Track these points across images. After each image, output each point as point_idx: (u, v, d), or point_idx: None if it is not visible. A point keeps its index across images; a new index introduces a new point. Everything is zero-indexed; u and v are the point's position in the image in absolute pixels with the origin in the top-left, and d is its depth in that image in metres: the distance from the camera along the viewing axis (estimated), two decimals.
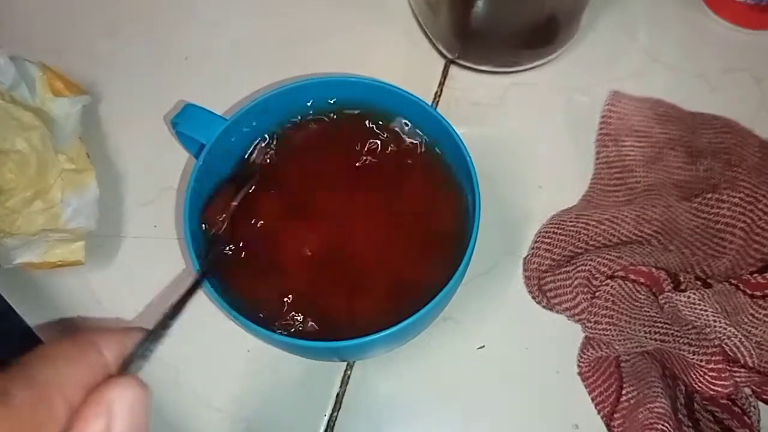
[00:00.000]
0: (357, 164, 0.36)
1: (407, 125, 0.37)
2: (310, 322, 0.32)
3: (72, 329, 0.38)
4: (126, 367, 0.22)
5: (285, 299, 0.33)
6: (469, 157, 0.33)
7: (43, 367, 0.20)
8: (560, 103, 0.44)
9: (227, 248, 0.33)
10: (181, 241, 0.40)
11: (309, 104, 0.37)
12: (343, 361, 0.37)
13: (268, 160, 0.36)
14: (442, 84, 0.45)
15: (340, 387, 0.37)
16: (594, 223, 0.38)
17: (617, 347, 0.34)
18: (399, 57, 0.46)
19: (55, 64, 0.42)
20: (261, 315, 0.32)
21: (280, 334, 0.31)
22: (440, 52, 0.46)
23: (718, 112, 0.42)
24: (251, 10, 0.47)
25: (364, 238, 0.34)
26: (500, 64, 0.45)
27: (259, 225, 0.34)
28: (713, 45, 0.46)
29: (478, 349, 0.38)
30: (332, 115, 0.37)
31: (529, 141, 0.43)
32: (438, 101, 0.45)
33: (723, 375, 0.32)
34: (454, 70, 0.46)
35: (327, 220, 0.35)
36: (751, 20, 0.45)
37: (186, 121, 0.34)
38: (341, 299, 0.33)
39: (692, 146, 0.40)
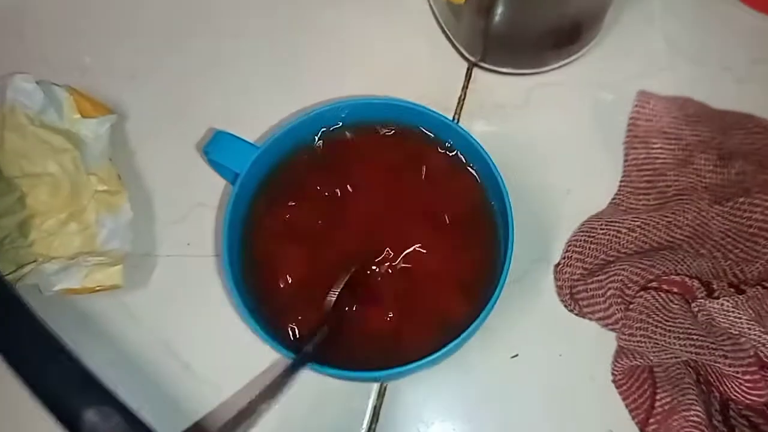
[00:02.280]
0: (397, 184, 0.36)
1: (436, 140, 0.37)
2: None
3: None
4: None
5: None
6: (500, 177, 0.34)
7: None
8: (586, 102, 0.44)
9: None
10: (217, 258, 0.40)
11: (339, 124, 0.37)
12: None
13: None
14: (465, 88, 0.45)
15: (377, 399, 0.38)
16: (625, 230, 0.38)
17: (651, 357, 0.35)
18: (422, 62, 0.46)
19: (77, 83, 0.42)
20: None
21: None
22: (463, 56, 0.45)
23: (746, 105, 0.42)
24: (276, 21, 0.47)
25: (412, 262, 0.35)
26: (524, 65, 0.44)
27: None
28: (740, 35, 0.45)
29: (512, 357, 0.38)
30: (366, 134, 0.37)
31: (556, 142, 0.43)
32: (462, 105, 0.45)
33: (759, 385, 0.33)
34: (477, 72, 0.45)
35: (378, 239, 0.35)
36: None
37: (217, 150, 0.34)
38: (388, 323, 0.33)
39: (723, 148, 0.39)
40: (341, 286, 0.32)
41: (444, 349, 0.30)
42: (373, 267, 0.34)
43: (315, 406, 0.38)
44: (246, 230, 0.35)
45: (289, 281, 0.34)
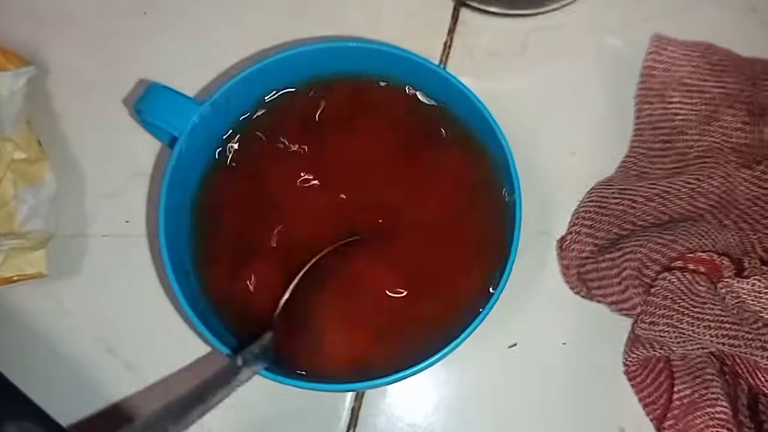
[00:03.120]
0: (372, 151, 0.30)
1: (421, 93, 0.31)
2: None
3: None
4: None
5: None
6: (505, 141, 0.28)
7: None
8: (591, 50, 0.38)
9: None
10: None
11: (303, 75, 0.30)
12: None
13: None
14: (452, 31, 0.39)
15: (355, 401, 0.33)
16: (642, 200, 0.32)
17: (674, 348, 0.30)
18: (399, 0, 0.39)
19: None
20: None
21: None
22: None
23: None
24: None
25: (387, 235, 0.29)
26: (520, 4, 0.38)
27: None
28: None
29: (510, 347, 0.34)
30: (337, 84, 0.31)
31: (557, 97, 0.37)
32: (448, 53, 0.38)
33: None
34: (465, 13, 0.39)
35: (347, 212, 0.29)
36: None
37: (152, 108, 0.27)
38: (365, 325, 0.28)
39: (753, 102, 0.34)
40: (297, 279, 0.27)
41: (432, 358, 0.25)
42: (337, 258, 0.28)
43: (285, 409, 0.33)
44: (191, 205, 0.28)
45: (248, 273, 0.28)
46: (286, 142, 0.29)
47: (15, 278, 0.32)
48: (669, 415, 0.32)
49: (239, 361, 0.25)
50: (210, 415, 0.32)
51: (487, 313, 0.27)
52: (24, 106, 0.35)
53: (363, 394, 0.33)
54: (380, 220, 0.29)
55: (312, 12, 0.38)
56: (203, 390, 0.24)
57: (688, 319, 0.29)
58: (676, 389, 0.32)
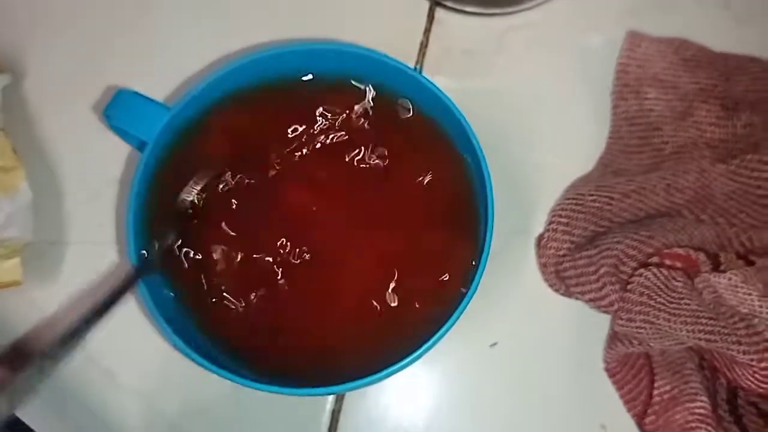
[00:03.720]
0: (338, 151, 0.30)
1: (392, 95, 0.31)
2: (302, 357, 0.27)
3: None
4: None
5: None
6: (473, 135, 0.28)
7: None
8: (568, 48, 0.38)
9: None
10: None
11: (273, 76, 0.30)
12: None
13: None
14: (428, 31, 0.39)
15: (336, 403, 0.33)
16: (618, 196, 0.32)
17: (652, 344, 0.30)
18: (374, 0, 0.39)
19: None
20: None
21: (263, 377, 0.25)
22: None
23: (747, 48, 0.37)
24: None
25: (353, 239, 0.29)
26: (495, 3, 0.38)
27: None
28: None
29: (491, 346, 0.33)
30: (302, 88, 0.30)
31: (534, 95, 0.37)
32: (424, 53, 0.38)
33: None
34: (441, 13, 0.39)
35: (307, 218, 0.29)
36: None
37: (121, 114, 0.27)
38: (328, 319, 0.28)
39: (727, 97, 0.34)
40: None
41: (406, 360, 0.25)
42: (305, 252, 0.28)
43: (265, 412, 0.32)
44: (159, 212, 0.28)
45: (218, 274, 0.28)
46: (255, 137, 0.29)
47: None
48: (649, 411, 0.32)
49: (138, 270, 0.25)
50: (187, 419, 0.32)
51: (461, 314, 0.27)
52: None
53: (343, 396, 0.33)
54: (351, 217, 0.29)
55: (284, 14, 0.38)
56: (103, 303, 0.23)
57: (664, 314, 0.29)
58: (656, 385, 0.32)
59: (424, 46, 0.38)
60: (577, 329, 0.33)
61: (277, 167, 0.29)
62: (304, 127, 0.29)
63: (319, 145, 0.29)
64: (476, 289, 0.27)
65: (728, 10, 0.38)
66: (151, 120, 0.27)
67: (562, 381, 0.33)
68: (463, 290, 0.27)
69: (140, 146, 0.27)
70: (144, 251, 0.26)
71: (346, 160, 0.29)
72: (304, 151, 0.29)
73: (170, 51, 0.37)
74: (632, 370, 0.32)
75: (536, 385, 0.33)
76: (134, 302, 0.33)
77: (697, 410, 0.30)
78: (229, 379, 0.25)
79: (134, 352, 0.33)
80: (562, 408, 0.33)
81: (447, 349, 0.32)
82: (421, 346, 0.26)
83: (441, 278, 0.28)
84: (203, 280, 0.28)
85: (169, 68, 0.35)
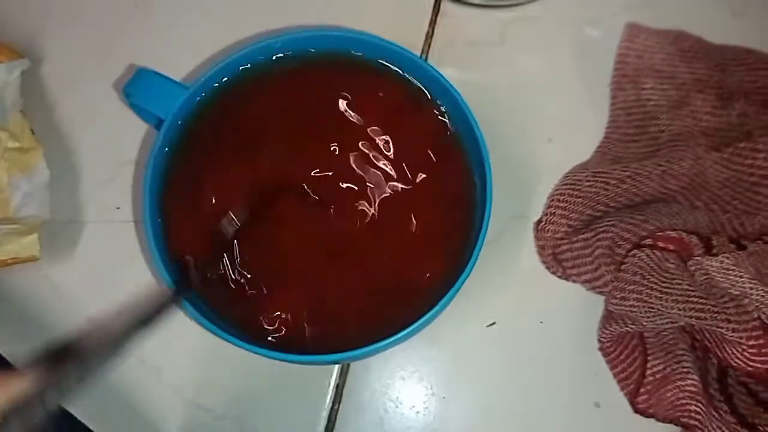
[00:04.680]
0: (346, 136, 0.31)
1: (398, 79, 0.32)
2: (306, 326, 0.28)
3: None
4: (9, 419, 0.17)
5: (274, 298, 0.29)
6: (474, 121, 0.29)
7: None
8: (569, 39, 0.39)
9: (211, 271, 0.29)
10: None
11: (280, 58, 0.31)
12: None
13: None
14: (433, 23, 0.40)
15: (340, 377, 0.34)
16: (614, 181, 0.33)
17: (645, 323, 0.31)
18: None
19: None
20: (245, 320, 0.28)
21: (271, 345, 0.27)
22: None
23: (743, 40, 0.38)
24: None
25: (357, 223, 0.30)
26: None
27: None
28: None
29: (488, 326, 0.35)
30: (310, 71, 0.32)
31: (535, 85, 0.38)
32: (430, 43, 0.39)
33: (764, 350, 0.29)
34: (446, 5, 0.40)
35: (317, 198, 0.30)
36: None
37: (140, 91, 0.29)
38: (337, 293, 0.29)
39: (723, 87, 0.35)
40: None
41: (409, 329, 0.26)
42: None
43: (270, 386, 0.34)
44: (174, 187, 0.29)
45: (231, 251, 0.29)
46: (263, 129, 0.31)
47: (9, 261, 0.33)
48: (642, 389, 0.33)
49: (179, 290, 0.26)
50: (194, 391, 0.33)
51: (457, 290, 0.28)
52: (18, 97, 0.36)
53: (347, 371, 0.34)
54: (356, 189, 0.30)
55: (297, 2, 0.39)
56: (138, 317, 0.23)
57: (656, 293, 0.30)
58: (649, 365, 0.33)
59: (429, 37, 0.39)
60: (573, 310, 0.34)
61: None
62: (321, 105, 0.31)
63: (338, 122, 0.30)
64: (474, 265, 0.28)
65: (724, 3, 0.39)
66: (168, 98, 0.28)
67: (558, 360, 0.34)
68: (463, 269, 0.28)
69: (157, 125, 0.29)
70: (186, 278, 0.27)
71: (360, 148, 0.30)
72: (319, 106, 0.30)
73: (188, 34, 0.38)
74: (626, 350, 0.33)
75: (532, 363, 0.34)
76: (149, 276, 0.34)
77: (687, 388, 0.31)
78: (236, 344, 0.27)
79: None
80: (557, 386, 0.34)
81: (447, 327, 0.34)
82: (421, 318, 0.27)
83: (443, 258, 0.29)
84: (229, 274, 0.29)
85: (187, 50, 0.37)
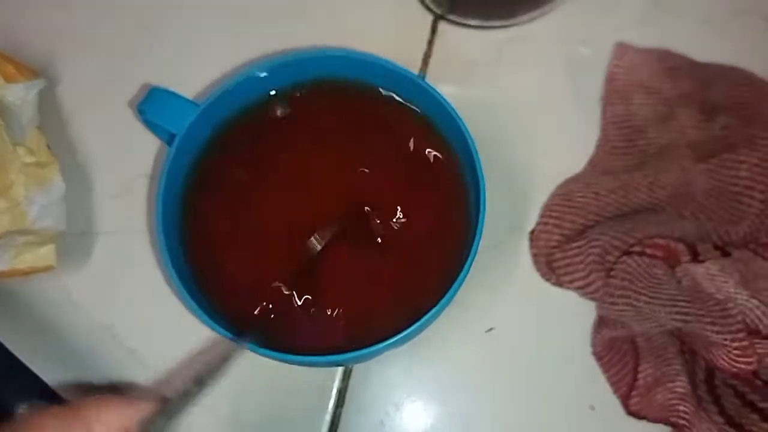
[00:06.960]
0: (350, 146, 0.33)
1: (396, 98, 0.34)
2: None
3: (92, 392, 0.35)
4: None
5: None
6: (470, 137, 0.30)
7: None
8: (561, 58, 0.41)
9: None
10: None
11: (287, 82, 0.33)
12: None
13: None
14: (431, 43, 0.42)
15: (342, 381, 0.35)
16: (605, 192, 0.35)
17: (635, 327, 0.32)
18: (382, 13, 0.42)
19: (1, 45, 0.38)
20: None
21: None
22: (427, 7, 0.42)
23: (727, 58, 0.39)
24: None
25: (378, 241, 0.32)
26: (494, 17, 0.41)
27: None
28: None
29: (487, 332, 0.36)
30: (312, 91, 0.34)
31: (530, 102, 0.40)
32: (428, 62, 0.41)
33: (747, 352, 0.30)
34: (443, 26, 0.42)
35: (327, 205, 0.32)
36: None
37: (153, 109, 0.30)
38: (342, 295, 0.30)
39: (706, 102, 0.37)
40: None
41: (407, 331, 0.27)
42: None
43: (273, 390, 0.35)
44: (187, 200, 0.31)
45: (238, 261, 0.31)
46: (271, 146, 0.32)
47: (27, 270, 0.35)
48: (634, 392, 0.34)
49: (242, 345, 0.27)
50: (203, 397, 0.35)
51: (453, 295, 0.29)
52: (35, 114, 0.37)
53: (350, 375, 0.35)
54: (364, 209, 0.31)
55: (302, 25, 0.41)
56: (208, 368, 0.26)
57: (645, 298, 0.31)
58: (640, 368, 0.34)
59: (427, 57, 0.41)
60: (568, 316, 0.36)
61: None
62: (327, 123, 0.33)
63: (343, 139, 0.33)
64: (469, 269, 0.30)
65: (708, 24, 0.41)
66: (181, 114, 0.30)
67: (554, 364, 0.35)
68: (459, 274, 0.30)
69: (170, 140, 0.30)
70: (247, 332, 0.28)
71: (361, 154, 0.33)
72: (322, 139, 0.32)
73: (199, 54, 0.40)
74: (618, 354, 0.34)
75: (529, 367, 0.35)
76: (162, 284, 0.36)
77: (676, 389, 0.32)
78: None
79: (158, 333, 0.36)
80: (553, 390, 0.35)
81: (447, 333, 0.35)
82: (420, 319, 0.28)
83: (440, 266, 0.31)
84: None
85: (197, 69, 0.39)
